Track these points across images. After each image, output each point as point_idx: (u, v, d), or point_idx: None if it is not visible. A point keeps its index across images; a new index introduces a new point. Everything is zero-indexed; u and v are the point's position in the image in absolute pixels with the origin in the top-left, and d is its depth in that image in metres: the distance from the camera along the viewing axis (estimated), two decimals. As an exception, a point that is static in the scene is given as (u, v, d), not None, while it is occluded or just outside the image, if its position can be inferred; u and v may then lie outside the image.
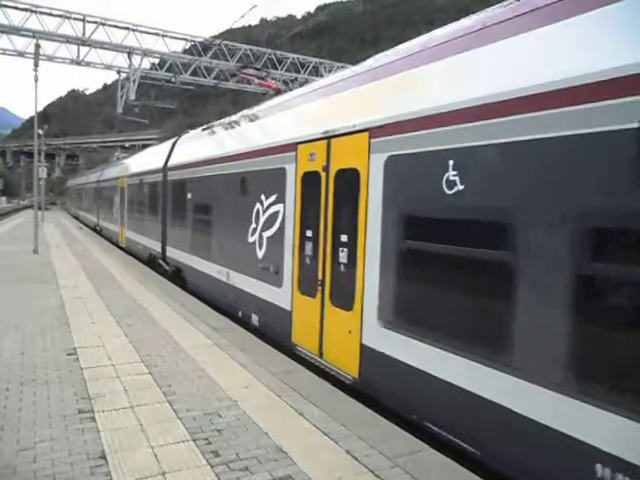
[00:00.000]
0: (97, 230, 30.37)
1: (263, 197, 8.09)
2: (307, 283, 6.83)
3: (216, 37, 48.38)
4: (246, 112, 10.47)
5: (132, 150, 52.56)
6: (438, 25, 5.87)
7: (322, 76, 32.28)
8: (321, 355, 6.50)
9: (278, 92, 11.69)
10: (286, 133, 7.66)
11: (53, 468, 3.96)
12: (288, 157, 7.31)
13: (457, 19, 5.59)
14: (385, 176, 5.28)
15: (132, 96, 32.51)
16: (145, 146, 37.88)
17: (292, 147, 7.20)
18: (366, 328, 5.59)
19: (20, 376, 5.97)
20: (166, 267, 14.25)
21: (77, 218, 45.02)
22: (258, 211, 8.26)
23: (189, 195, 12.11)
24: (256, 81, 14.78)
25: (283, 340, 7.43)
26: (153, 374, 6.15)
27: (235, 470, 3.99)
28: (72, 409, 5.08)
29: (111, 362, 6.56)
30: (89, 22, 30.73)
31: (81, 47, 31.06)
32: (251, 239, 8.49)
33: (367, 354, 5.60)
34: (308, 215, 6.85)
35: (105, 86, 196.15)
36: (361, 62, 7.23)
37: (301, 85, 15.73)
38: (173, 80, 34.42)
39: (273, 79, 36.54)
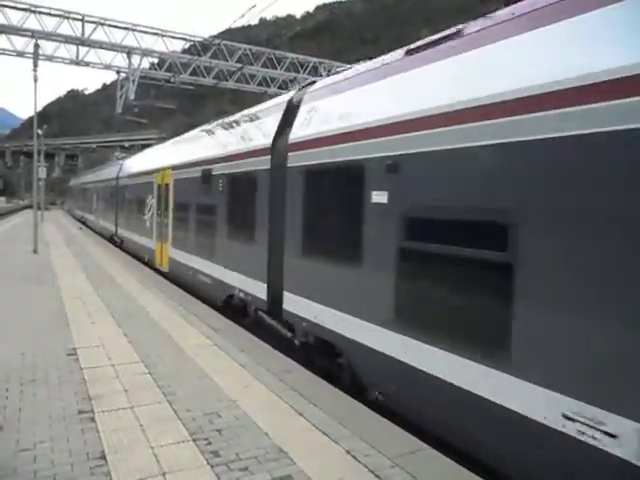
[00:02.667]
0: (115, 242, 23.23)
1: None
2: None
3: (215, 37, 48.38)
4: None
5: (132, 150, 52.47)
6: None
7: (321, 76, 32.26)
8: None
9: None
10: None
11: (53, 468, 3.96)
12: None
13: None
14: None
15: (131, 96, 32.55)
16: (145, 146, 37.80)
17: None
18: None
19: (20, 376, 5.97)
20: (283, 331, 7.85)
21: (84, 223, 37.20)
22: None
23: (379, 195, 5.61)
24: None
25: None
26: (153, 374, 6.15)
27: (235, 470, 4.00)
28: (72, 409, 5.08)
29: (111, 362, 6.56)
30: (88, 22, 30.79)
31: (80, 47, 31.13)
32: None
33: None
34: None
35: (104, 86, 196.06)
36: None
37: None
38: (172, 80, 34.43)
39: (272, 79, 36.66)
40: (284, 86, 35.22)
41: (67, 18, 30.17)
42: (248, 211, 8.86)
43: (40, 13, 29.43)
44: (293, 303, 7.35)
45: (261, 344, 7.67)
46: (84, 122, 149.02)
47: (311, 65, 37.99)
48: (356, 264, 5.91)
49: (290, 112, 8.11)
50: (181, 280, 12.89)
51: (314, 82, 8.16)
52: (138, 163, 20.59)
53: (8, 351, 6.89)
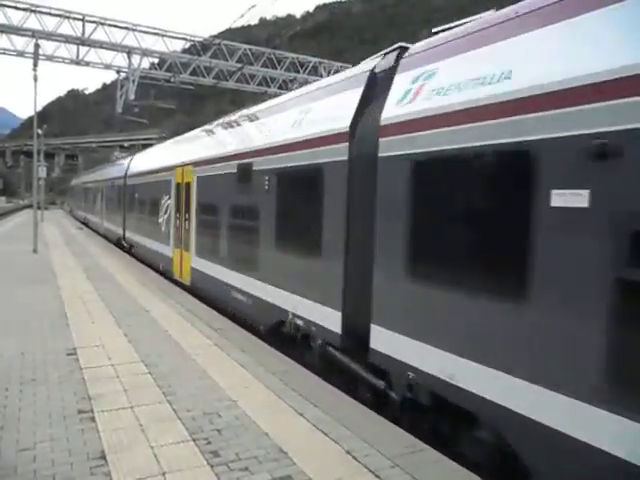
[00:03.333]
0: (122, 247, 20.99)
1: None
2: None
3: (215, 37, 48.44)
4: None
5: (132, 150, 52.48)
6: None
7: (321, 76, 32.33)
8: None
9: None
10: None
11: (53, 468, 3.96)
12: None
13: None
14: None
15: (132, 96, 32.57)
16: (145, 146, 37.81)
17: None
18: None
19: (20, 376, 5.96)
20: (369, 378, 5.83)
21: (87, 225, 35.02)
22: None
23: (569, 196, 3.69)
24: None
25: None
26: (153, 374, 6.15)
27: (235, 470, 3.99)
28: (72, 409, 5.08)
29: (111, 362, 6.55)
30: (88, 22, 30.80)
31: (80, 47, 31.15)
32: None
33: None
34: None
35: (104, 86, 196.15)
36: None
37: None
38: (172, 80, 34.45)
39: (272, 79, 36.69)
40: (284, 86, 35.28)
41: (67, 18, 30.17)
42: (310, 215, 6.86)
43: (40, 13, 29.43)
44: (389, 342, 5.38)
45: (261, 344, 7.67)
46: (84, 122, 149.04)
47: (311, 65, 38.02)
48: (521, 299, 3.91)
49: (376, 85, 6.25)
50: (208, 296, 10.81)
51: (404, 47, 6.11)
52: (151, 160, 18.30)
53: (8, 351, 6.89)
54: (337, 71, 29.70)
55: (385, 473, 3.98)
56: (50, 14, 29.94)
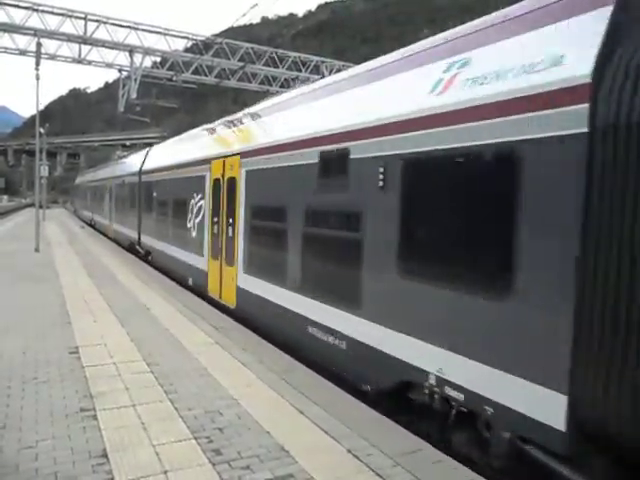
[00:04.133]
0: (137, 252, 18.54)
1: None
2: None
3: (218, 35, 48.43)
4: None
5: (133, 149, 52.54)
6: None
7: (323, 75, 32.29)
8: None
9: None
10: None
11: (55, 466, 3.96)
12: None
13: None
14: None
15: (133, 95, 32.54)
16: (147, 145, 37.87)
17: None
18: None
19: (22, 375, 5.97)
20: None
21: (94, 227, 32.54)
22: None
23: None
24: None
25: None
26: (155, 372, 6.15)
27: (236, 468, 3.99)
28: (74, 407, 5.09)
29: (113, 360, 6.56)
30: (90, 20, 30.80)
31: (82, 45, 31.12)
32: None
33: None
34: None
35: (106, 85, 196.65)
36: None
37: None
38: (174, 79, 34.47)
39: (274, 78, 36.69)
40: (286, 85, 35.24)
41: (69, 17, 30.17)
42: (489, 223, 4.36)
43: (43, 12, 29.41)
44: None
45: (263, 343, 7.66)
46: (86, 121, 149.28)
47: (313, 64, 37.96)
48: None
49: None
50: (265, 327, 8.36)
51: None
52: (174, 152, 15.57)
53: (10, 349, 6.90)
54: (339, 70, 29.62)
55: (387, 472, 3.98)
56: (52, 13, 29.93)
